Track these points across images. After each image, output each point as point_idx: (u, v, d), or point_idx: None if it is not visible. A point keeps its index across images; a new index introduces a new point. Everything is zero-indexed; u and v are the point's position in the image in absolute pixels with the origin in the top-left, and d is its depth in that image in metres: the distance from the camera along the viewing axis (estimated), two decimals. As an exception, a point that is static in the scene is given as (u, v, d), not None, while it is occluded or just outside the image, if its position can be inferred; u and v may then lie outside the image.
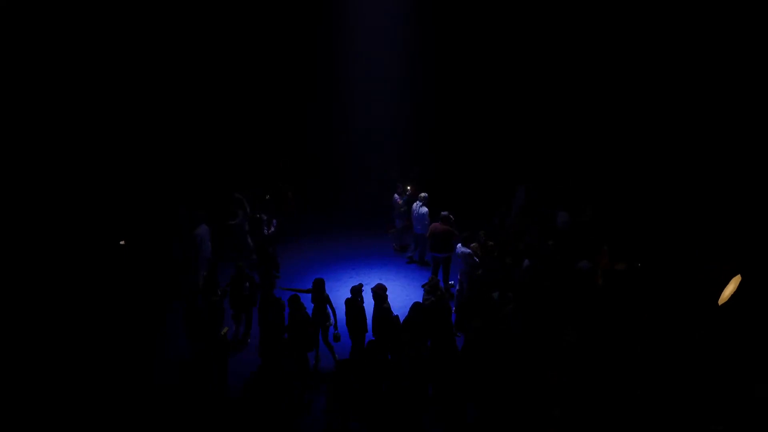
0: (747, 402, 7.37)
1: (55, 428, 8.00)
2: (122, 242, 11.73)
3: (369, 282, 12.34)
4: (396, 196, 13.51)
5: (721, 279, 8.90)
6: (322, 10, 16.39)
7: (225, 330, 9.13)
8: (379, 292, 9.08)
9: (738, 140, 13.21)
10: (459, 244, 10.86)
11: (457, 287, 11.09)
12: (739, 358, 8.22)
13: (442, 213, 12.00)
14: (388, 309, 9.03)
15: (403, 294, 11.75)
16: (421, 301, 9.41)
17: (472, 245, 10.77)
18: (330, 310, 9.53)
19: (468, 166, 16.11)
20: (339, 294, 11.82)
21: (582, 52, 15.61)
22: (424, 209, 12.57)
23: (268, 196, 13.91)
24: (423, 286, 9.56)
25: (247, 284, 10.10)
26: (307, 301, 9.33)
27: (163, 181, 14.63)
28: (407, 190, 13.60)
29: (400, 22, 16.34)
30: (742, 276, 6.94)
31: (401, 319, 9.06)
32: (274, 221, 12.22)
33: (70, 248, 11.99)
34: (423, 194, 12.75)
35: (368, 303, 9.49)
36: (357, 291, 9.35)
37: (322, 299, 9.43)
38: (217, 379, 8.72)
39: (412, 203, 13.03)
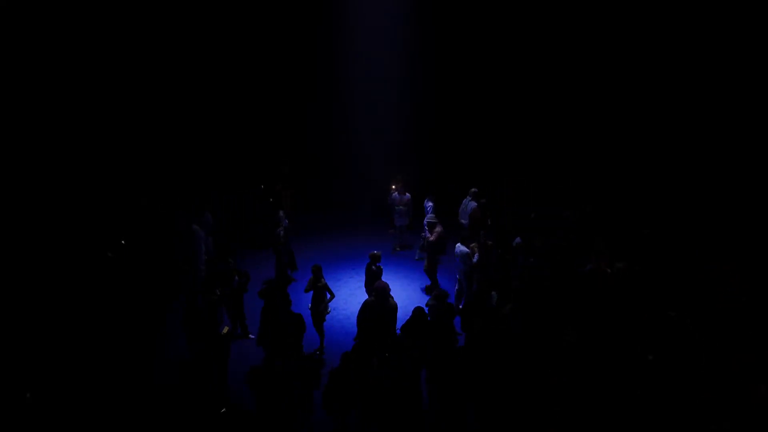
0: (747, 402, 7.36)
1: (55, 428, 7.98)
2: (122, 242, 11.76)
3: (369, 282, 12.40)
4: (395, 195, 13.51)
5: (721, 279, 8.91)
6: (322, 9, 16.39)
7: (225, 329, 9.13)
8: (381, 293, 9.06)
9: (738, 140, 13.21)
10: (458, 244, 10.86)
11: (457, 287, 11.08)
12: (740, 358, 8.22)
13: (481, 200, 12.64)
14: (388, 308, 9.05)
15: (404, 295, 11.74)
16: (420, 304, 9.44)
17: (471, 245, 10.76)
18: (328, 295, 9.96)
19: (467, 166, 16.09)
20: (339, 294, 11.83)
21: (582, 52, 15.61)
22: (473, 203, 12.83)
23: (271, 199, 13.98)
24: (427, 304, 9.48)
25: (237, 278, 10.10)
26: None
27: (163, 182, 14.63)
28: (392, 189, 13.63)
29: (400, 22, 16.34)
30: (742, 275, 6.92)
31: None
32: (285, 221, 12.28)
33: (70, 248, 11.97)
34: (473, 189, 13.03)
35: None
36: (375, 258, 10.47)
37: (320, 286, 9.76)
38: (217, 379, 8.71)
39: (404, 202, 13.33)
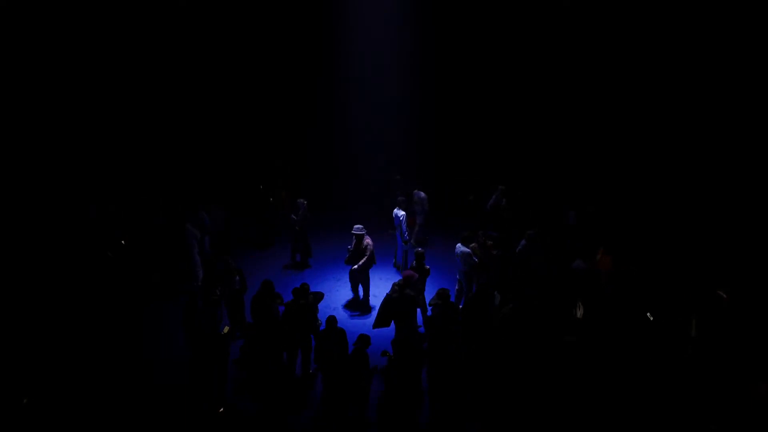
0: (747, 402, 7.37)
1: (55, 429, 7.98)
2: (122, 242, 11.77)
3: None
4: (420, 193, 13.72)
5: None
6: (322, 11, 16.42)
7: (226, 329, 9.13)
8: (405, 280, 9.30)
9: (738, 140, 13.22)
10: (459, 244, 10.86)
11: (457, 287, 11.08)
12: (740, 357, 8.23)
13: (499, 187, 13.09)
14: (406, 299, 9.27)
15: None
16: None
17: (471, 245, 10.77)
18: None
19: (468, 167, 16.11)
20: (339, 294, 11.84)
21: (582, 52, 15.63)
22: (502, 200, 13.25)
23: (271, 199, 13.99)
24: (430, 303, 9.52)
25: (237, 278, 10.08)
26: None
27: (162, 181, 14.63)
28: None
29: (400, 23, 16.36)
30: (742, 276, 6.94)
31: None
32: (303, 208, 12.61)
33: (70, 248, 11.96)
34: (501, 186, 13.32)
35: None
36: (420, 256, 10.45)
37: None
38: (217, 378, 8.70)
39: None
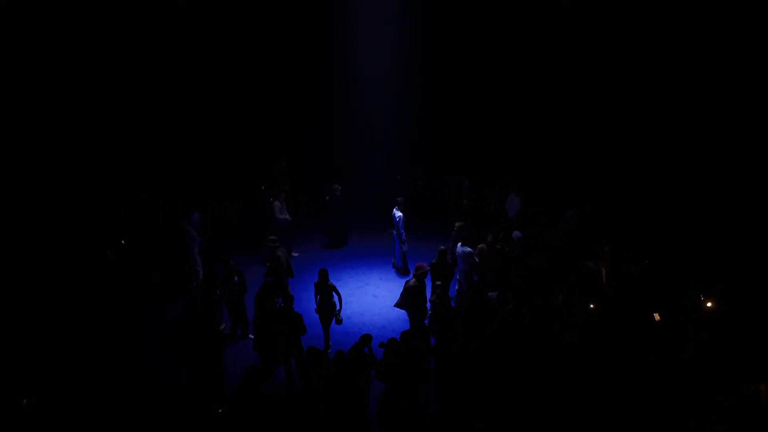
0: (747, 402, 7.37)
1: (54, 428, 7.98)
2: (122, 241, 11.78)
3: (368, 282, 12.40)
4: (465, 182, 14.80)
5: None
6: (322, 11, 16.42)
7: (223, 326, 9.14)
8: (421, 269, 9.59)
9: (737, 140, 13.22)
10: (459, 244, 10.86)
11: (457, 287, 11.09)
12: (741, 358, 8.23)
13: (511, 185, 13.75)
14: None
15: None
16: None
17: (479, 246, 10.77)
18: (337, 298, 9.79)
19: (467, 167, 16.11)
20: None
21: (582, 52, 15.63)
22: (517, 199, 13.64)
23: (272, 199, 13.98)
24: (430, 301, 9.60)
25: (236, 278, 10.07)
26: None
27: (162, 182, 14.63)
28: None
29: (400, 23, 16.36)
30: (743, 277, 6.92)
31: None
32: (337, 194, 13.38)
33: (70, 248, 11.97)
34: (514, 186, 13.78)
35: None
36: (443, 253, 10.55)
37: (327, 288, 9.67)
38: (216, 377, 8.71)
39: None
